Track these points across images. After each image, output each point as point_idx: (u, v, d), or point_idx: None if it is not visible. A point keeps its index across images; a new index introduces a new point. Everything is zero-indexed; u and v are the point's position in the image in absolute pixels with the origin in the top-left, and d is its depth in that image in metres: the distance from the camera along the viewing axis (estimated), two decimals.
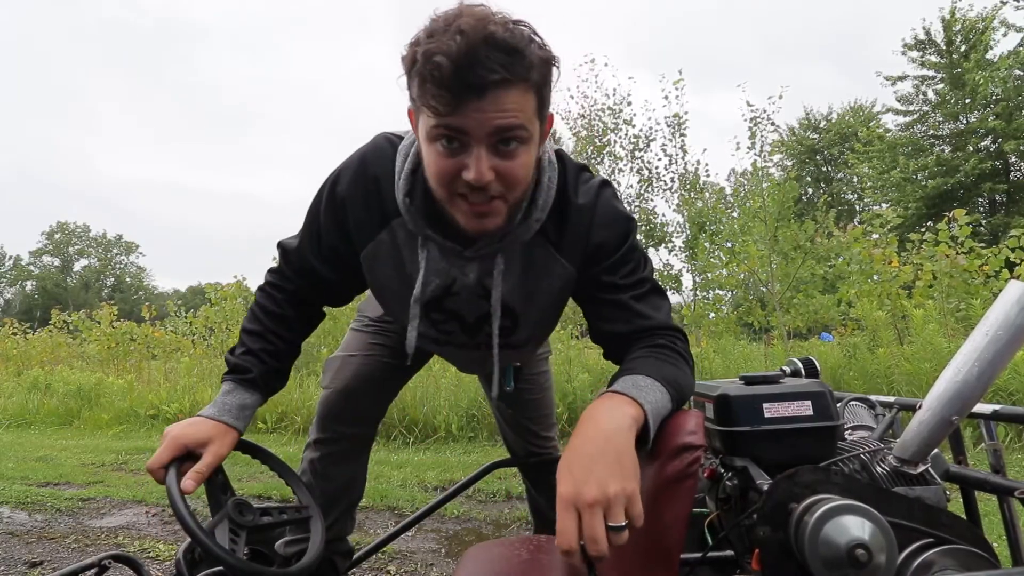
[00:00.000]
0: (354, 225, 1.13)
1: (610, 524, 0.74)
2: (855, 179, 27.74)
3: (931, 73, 22.49)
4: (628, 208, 1.42)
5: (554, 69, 0.94)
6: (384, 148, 1.12)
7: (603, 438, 0.81)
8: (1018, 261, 5.86)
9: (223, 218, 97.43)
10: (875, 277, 6.11)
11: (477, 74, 0.84)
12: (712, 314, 8.16)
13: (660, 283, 1.18)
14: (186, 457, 1.02)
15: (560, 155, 1.14)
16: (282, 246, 1.26)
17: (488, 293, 1.13)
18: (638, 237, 1.17)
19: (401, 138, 1.13)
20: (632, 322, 1.08)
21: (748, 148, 7.84)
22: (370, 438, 1.57)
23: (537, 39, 0.91)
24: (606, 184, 1.14)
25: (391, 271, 1.16)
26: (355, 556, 1.62)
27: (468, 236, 1.05)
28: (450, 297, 1.15)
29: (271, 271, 1.27)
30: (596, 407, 0.89)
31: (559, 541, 0.75)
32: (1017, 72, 19.04)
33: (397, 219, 1.10)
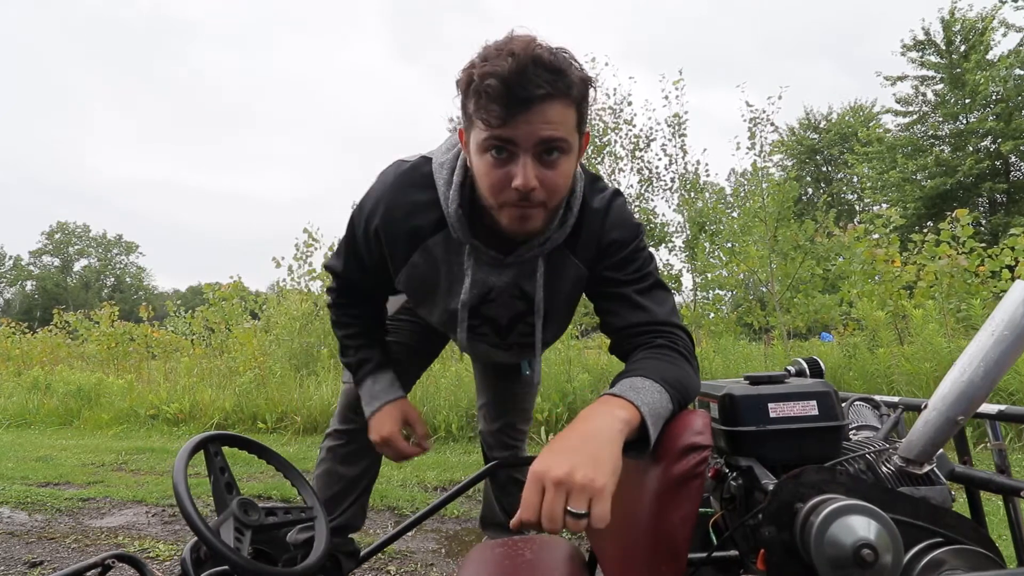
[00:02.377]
0: (389, 253, 1.25)
1: (569, 508, 0.77)
2: (855, 179, 27.73)
3: (931, 73, 22.47)
4: (634, 213, 1.53)
5: (591, 89, 1.05)
6: (411, 175, 1.22)
7: (587, 434, 0.85)
8: (1014, 263, 5.86)
9: (223, 218, 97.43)
10: (876, 277, 6.11)
11: (526, 89, 0.95)
12: (712, 314, 8.15)
13: (665, 281, 1.23)
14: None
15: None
16: (331, 269, 1.40)
17: (523, 294, 1.24)
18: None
19: (421, 160, 1.24)
20: (635, 315, 1.15)
21: (748, 148, 7.84)
22: None
23: (576, 62, 1.02)
24: (618, 193, 1.23)
25: (430, 287, 1.27)
26: (360, 555, 1.62)
27: (508, 244, 1.17)
28: (487, 304, 1.26)
29: (330, 290, 1.43)
30: (589, 408, 0.92)
31: (521, 509, 0.79)
32: (1018, 71, 19.03)
33: (433, 238, 1.21)
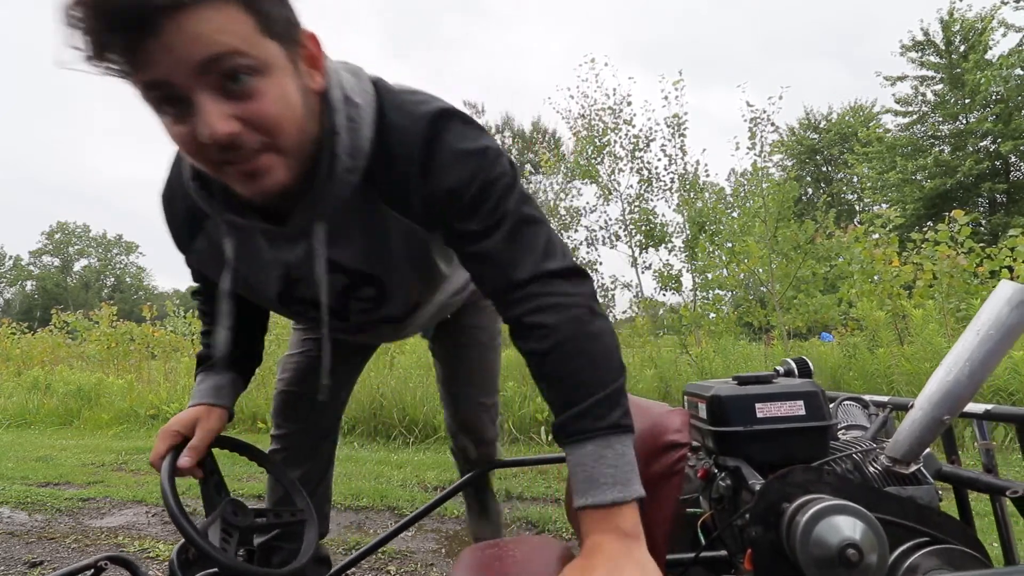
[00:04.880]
0: (177, 240, 1.07)
1: None
2: (855, 179, 27.73)
3: (930, 73, 22.48)
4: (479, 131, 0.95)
5: None
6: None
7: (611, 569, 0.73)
8: (1011, 264, 5.87)
9: None
10: (876, 278, 6.11)
11: (133, 5, 0.66)
12: (712, 314, 8.16)
13: (540, 212, 0.92)
14: (183, 445, 1.05)
15: (380, 85, 0.93)
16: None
17: (335, 266, 0.96)
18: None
19: None
20: (501, 276, 0.88)
21: (748, 148, 7.84)
22: (323, 435, 1.52)
23: None
24: (447, 115, 0.89)
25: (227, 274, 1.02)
26: (354, 556, 1.62)
27: (282, 211, 0.91)
28: (296, 285, 1.02)
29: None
30: (590, 545, 0.77)
31: None
32: (1018, 71, 19.01)
33: (208, 219, 0.98)
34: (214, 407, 1.11)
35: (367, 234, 0.94)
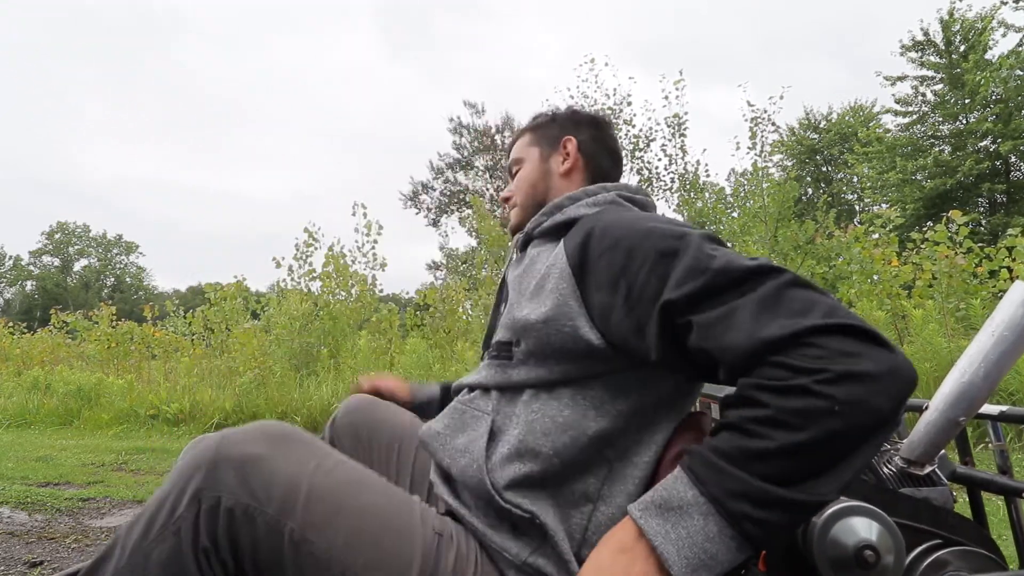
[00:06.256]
0: None
1: None
2: (855, 179, 27.75)
3: (930, 73, 22.49)
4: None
5: (542, 118, 1.24)
6: None
7: None
8: (1011, 264, 5.88)
9: (223, 218, 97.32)
10: (875, 278, 6.11)
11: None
12: None
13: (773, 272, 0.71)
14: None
15: (620, 200, 1.08)
16: None
17: (503, 283, 1.19)
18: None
19: None
20: (739, 338, 0.66)
21: (749, 148, 7.85)
22: None
23: (546, 112, 1.25)
24: (633, 207, 1.04)
25: None
26: None
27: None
28: None
29: None
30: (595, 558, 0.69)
31: None
32: (1018, 72, 19.03)
33: None
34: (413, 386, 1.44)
35: (531, 262, 1.05)
